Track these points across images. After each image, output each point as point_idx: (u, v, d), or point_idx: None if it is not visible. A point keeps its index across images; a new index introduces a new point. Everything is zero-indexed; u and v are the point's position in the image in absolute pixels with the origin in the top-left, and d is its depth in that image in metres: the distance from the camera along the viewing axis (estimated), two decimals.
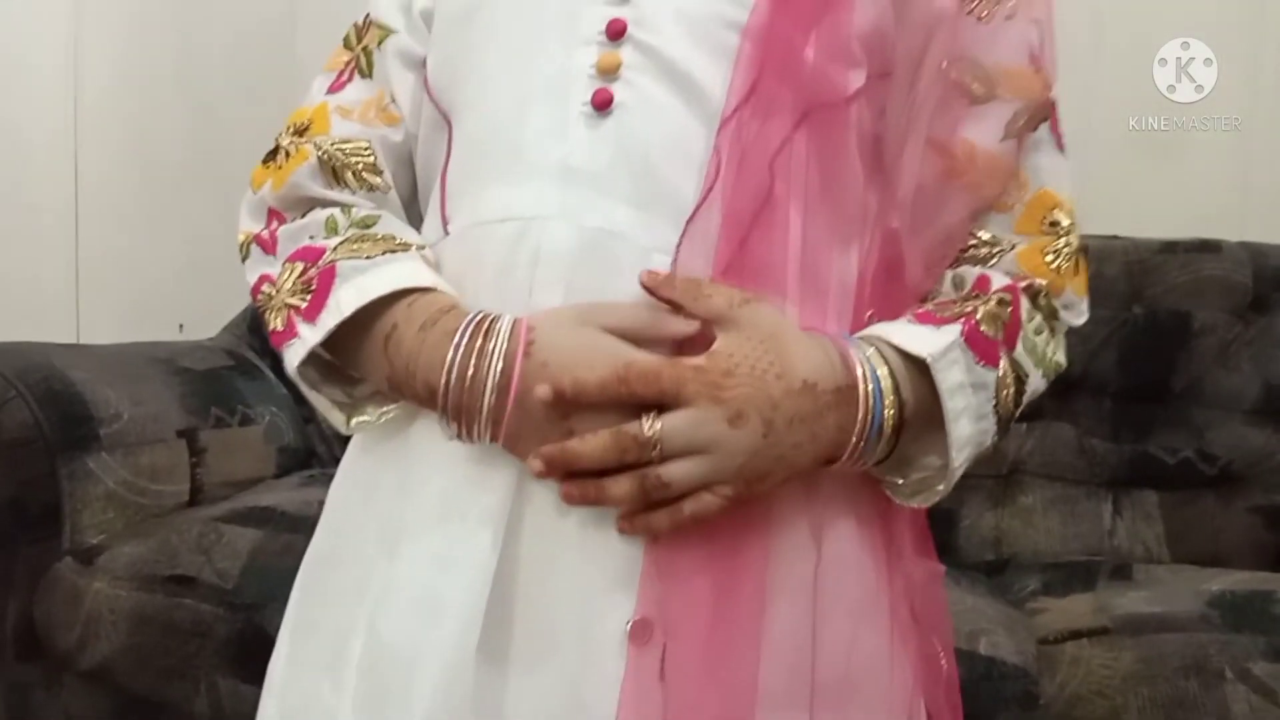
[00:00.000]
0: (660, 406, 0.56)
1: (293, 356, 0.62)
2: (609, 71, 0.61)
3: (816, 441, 0.57)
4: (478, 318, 0.58)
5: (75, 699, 1.31)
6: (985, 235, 0.65)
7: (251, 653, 1.20)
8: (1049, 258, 0.64)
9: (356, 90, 0.71)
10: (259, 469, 1.62)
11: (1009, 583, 1.44)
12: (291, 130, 0.70)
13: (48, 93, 1.78)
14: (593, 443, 0.56)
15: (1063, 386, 1.59)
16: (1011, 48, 0.65)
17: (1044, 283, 0.64)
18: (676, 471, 0.56)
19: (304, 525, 1.31)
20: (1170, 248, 1.60)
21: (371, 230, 0.65)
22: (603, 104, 0.61)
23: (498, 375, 0.56)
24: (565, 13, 0.64)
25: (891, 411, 0.58)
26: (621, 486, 0.56)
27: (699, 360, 0.56)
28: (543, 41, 0.64)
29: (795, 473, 0.58)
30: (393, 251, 0.63)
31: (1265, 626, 1.16)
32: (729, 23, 0.61)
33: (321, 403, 0.65)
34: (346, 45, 0.73)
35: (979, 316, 0.61)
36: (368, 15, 0.73)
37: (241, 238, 0.70)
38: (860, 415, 0.58)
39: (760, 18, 0.60)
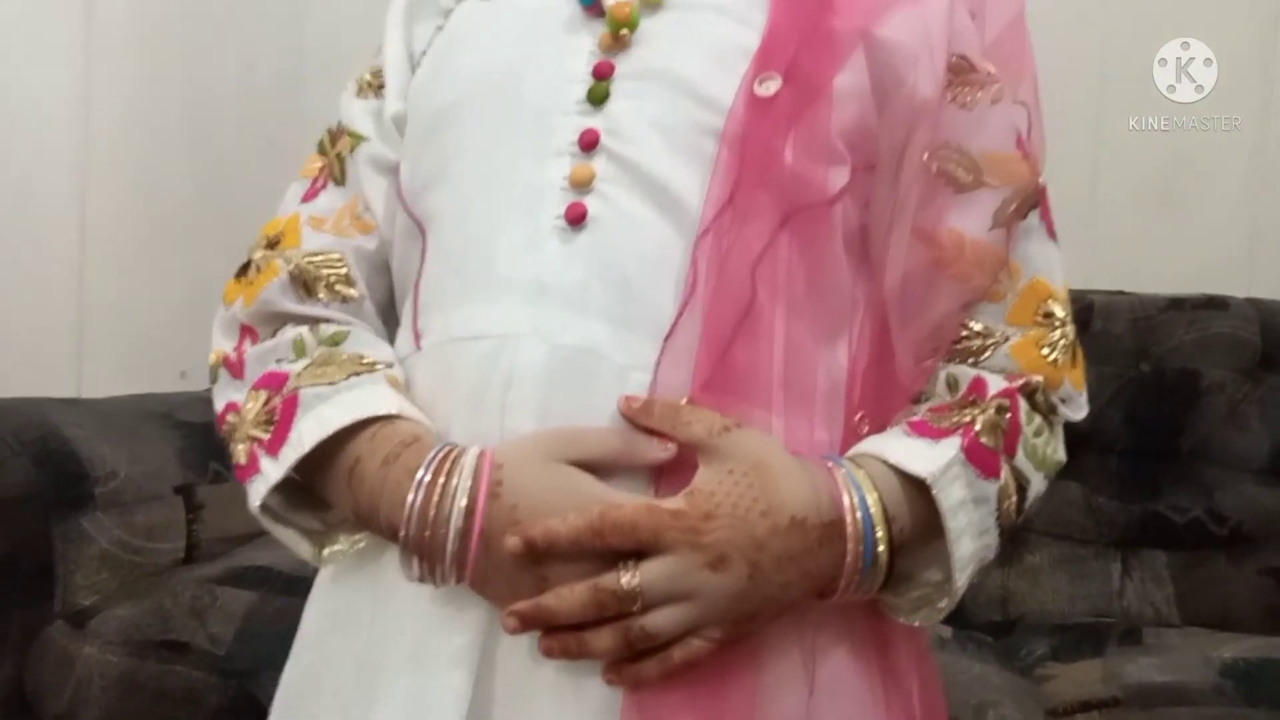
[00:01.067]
0: (638, 553, 0.54)
1: (254, 494, 0.60)
2: (582, 184, 0.60)
3: (807, 578, 0.55)
4: (440, 454, 0.55)
5: None
6: (978, 326, 0.63)
7: None
8: (1045, 351, 0.63)
9: (330, 198, 0.69)
10: (256, 524, 1.58)
11: (1016, 646, 1.42)
12: (264, 244, 0.69)
13: (55, 141, 1.78)
14: (569, 599, 0.53)
15: (1070, 444, 1.57)
16: (997, 133, 0.63)
17: (1040, 379, 0.61)
18: (661, 621, 0.53)
19: (299, 586, 1.28)
20: (1177, 304, 1.59)
21: (339, 349, 0.63)
22: (576, 218, 0.59)
23: (461, 519, 0.53)
24: (537, 123, 0.62)
25: (883, 541, 0.55)
26: (604, 640, 0.54)
27: (677, 504, 0.54)
28: (514, 152, 0.62)
29: (786, 610, 0.56)
30: (357, 374, 0.61)
31: None
32: (705, 129, 0.59)
33: (288, 536, 0.62)
34: (321, 151, 0.72)
35: (978, 428, 0.59)
36: (340, 121, 0.72)
37: (213, 358, 0.68)
38: (850, 548, 0.55)
39: (737, 123, 0.59)
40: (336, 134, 0.71)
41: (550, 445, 0.55)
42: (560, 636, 0.54)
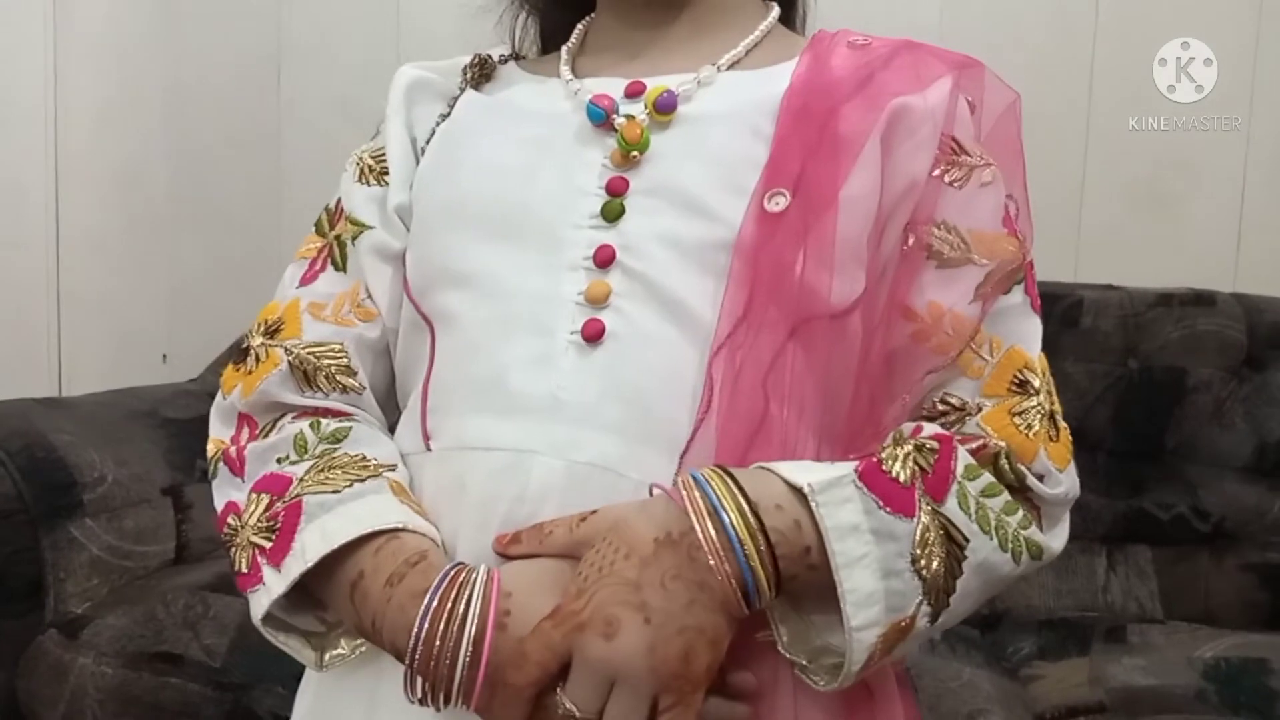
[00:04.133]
0: None
1: (257, 607, 0.59)
2: (598, 300, 0.60)
3: (705, 590, 0.52)
4: (448, 579, 0.54)
5: None
6: (954, 400, 0.61)
7: None
8: (1016, 419, 0.59)
9: (329, 283, 0.68)
10: None
11: (1003, 644, 1.44)
12: (262, 329, 0.67)
13: (28, 134, 1.74)
14: None
15: None
16: (985, 214, 0.62)
17: (1002, 445, 0.58)
18: (614, 716, 0.52)
19: None
20: (1165, 300, 1.60)
21: (340, 448, 0.62)
22: (594, 335, 0.59)
23: (468, 651, 0.52)
24: (546, 234, 0.62)
25: (742, 528, 0.52)
26: None
27: (552, 608, 0.53)
28: (523, 262, 0.62)
29: (718, 634, 0.52)
30: (360, 480, 0.60)
31: (1260, 704, 1.16)
32: (718, 244, 0.59)
33: (291, 645, 0.61)
34: (319, 231, 0.71)
35: (883, 455, 0.55)
36: (339, 201, 0.70)
37: (211, 449, 0.67)
38: (711, 547, 0.51)
39: (749, 238, 0.58)
40: (335, 215, 0.70)
41: (557, 575, 0.55)
42: None
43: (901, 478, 0.54)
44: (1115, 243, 1.76)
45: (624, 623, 0.51)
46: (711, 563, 0.51)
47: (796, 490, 0.53)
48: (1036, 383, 0.61)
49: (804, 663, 0.56)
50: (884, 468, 0.55)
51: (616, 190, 0.62)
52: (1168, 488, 1.54)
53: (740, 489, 0.53)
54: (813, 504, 0.52)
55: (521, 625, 0.53)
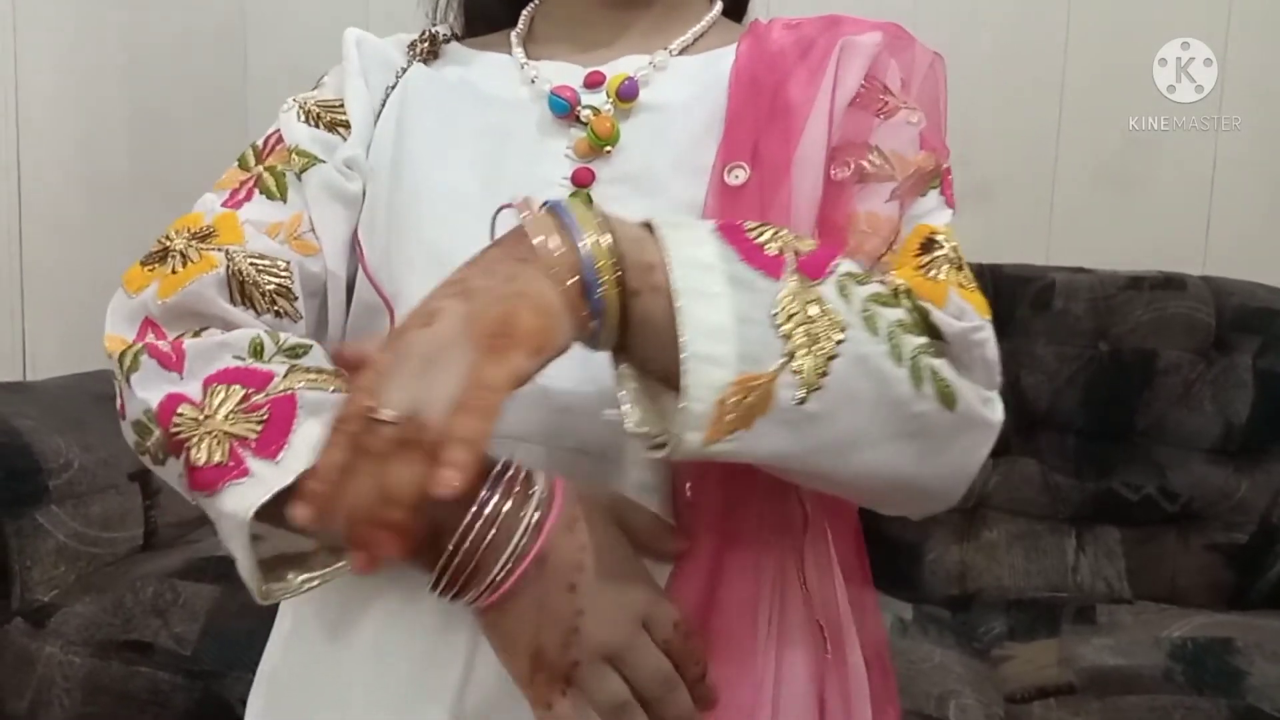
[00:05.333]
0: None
1: (244, 499, 0.51)
2: None
3: (532, 263, 0.48)
4: (509, 471, 0.51)
5: None
6: None
7: None
8: (922, 270, 0.56)
9: (262, 210, 0.63)
10: None
11: (974, 624, 1.45)
12: (187, 234, 0.60)
13: None
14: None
15: (1028, 423, 1.61)
16: (906, 142, 0.61)
17: (902, 281, 0.55)
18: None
19: None
20: (1136, 283, 1.61)
21: (310, 363, 0.57)
22: None
23: (528, 535, 0.50)
24: (514, 224, 0.60)
25: (577, 208, 0.49)
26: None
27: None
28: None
29: (544, 301, 0.48)
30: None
31: (1225, 685, 1.18)
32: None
33: (246, 559, 0.54)
34: (242, 166, 0.66)
35: (751, 226, 0.51)
36: (271, 137, 0.66)
37: (118, 345, 0.58)
38: (531, 215, 0.49)
39: (712, 211, 0.59)
40: (266, 150, 0.66)
41: (614, 505, 0.55)
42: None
43: (761, 241, 0.51)
44: (1087, 225, 1.77)
45: (444, 310, 0.47)
46: (539, 239, 0.49)
47: (644, 225, 0.51)
48: (940, 240, 0.58)
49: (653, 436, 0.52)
50: (748, 233, 0.51)
51: (582, 181, 0.62)
52: (1136, 469, 1.56)
53: (589, 201, 0.51)
54: (658, 232, 0.49)
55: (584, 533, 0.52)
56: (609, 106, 0.63)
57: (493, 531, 0.49)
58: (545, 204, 0.52)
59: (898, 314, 0.52)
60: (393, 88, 0.69)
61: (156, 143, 1.97)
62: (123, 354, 0.57)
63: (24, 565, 1.29)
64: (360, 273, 0.64)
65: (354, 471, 0.45)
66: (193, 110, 1.99)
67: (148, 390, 0.56)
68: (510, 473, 0.51)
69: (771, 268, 0.50)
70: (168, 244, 0.60)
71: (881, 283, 0.54)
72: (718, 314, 0.48)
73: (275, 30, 1.99)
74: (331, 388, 0.56)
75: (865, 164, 0.60)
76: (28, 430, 1.34)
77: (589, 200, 0.53)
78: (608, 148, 0.62)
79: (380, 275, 0.63)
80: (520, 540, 0.50)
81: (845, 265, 0.52)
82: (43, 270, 1.79)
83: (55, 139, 1.81)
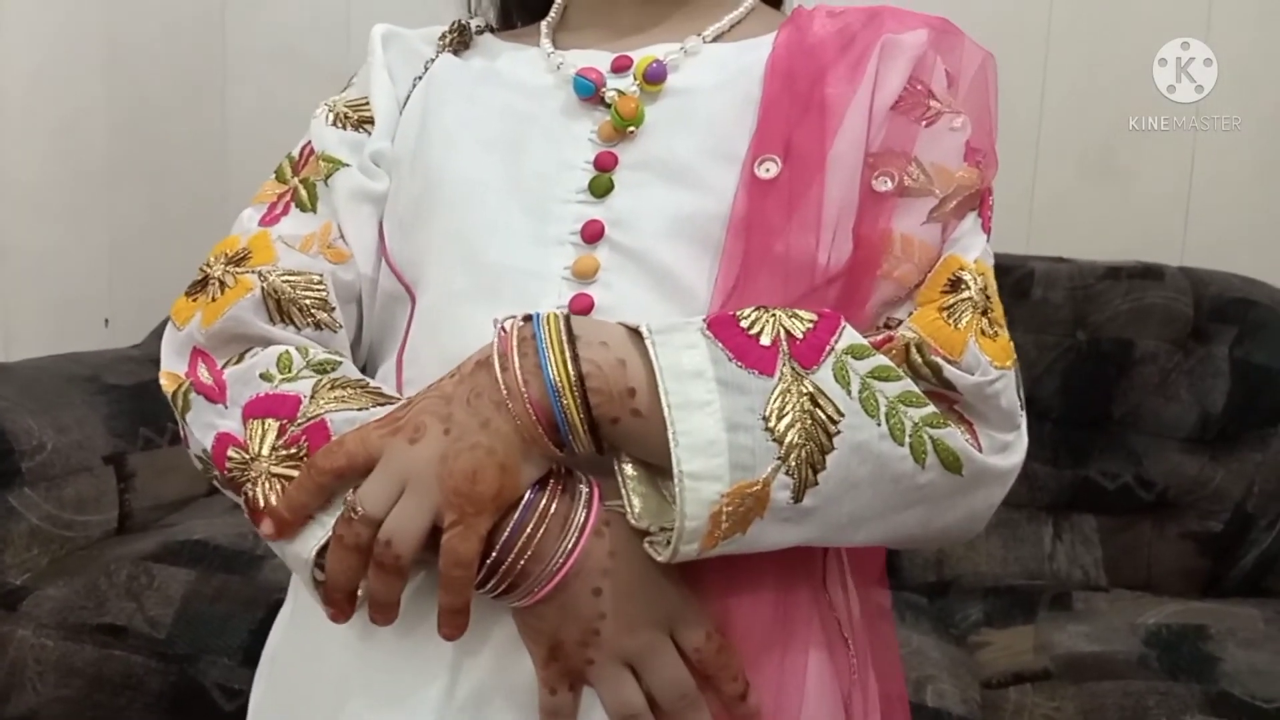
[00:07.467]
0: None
1: (305, 543, 0.54)
2: (586, 276, 0.58)
3: (504, 411, 0.50)
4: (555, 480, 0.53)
5: None
6: (899, 315, 0.58)
7: (184, 707, 1.17)
8: (944, 313, 0.55)
9: (295, 224, 0.64)
10: (190, 488, 1.57)
11: (951, 611, 1.46)
12: (224, 259, 0.62)
13: None
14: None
15: None
16: (950, 152, 0.60)
17: (913, 335, 0.54)
18: (395, 518, 0.51)
19: (238, 563, 1.29)
20: (1114, 272, 1.61)
21: (337, 376, 0.58)
22: (582, 310, 0.58)
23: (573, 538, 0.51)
24: (534, 209, 0.60)
25: (550, 345, 0.50)
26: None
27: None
28: (509, 236, 0.60)
29: (510, 460, 0.51)
30: (381, 405, 0.56)
31: (1200, 671, 1.19)
32: (710, 215, 0.58)
33: (315, 591, 0.56)
34: (279, 178, 0.67)
35: (741, 313, 0.52)
36: (305, 148, 0.68)
37: (170, 384, 0.61)
38: (510, 350, 0.51)
39: (741, 207, 0.57)
40: (301, 161, 0.67)
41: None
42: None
43: (763, 339, 0.51)
44: (1066, 214, 1.78)
45: (428, 430, 0.51)
46: (511, 388, 0.50)
47: (635, 333, 0.51)
48: (969, 279, 0.57)
49: (654, 533, 0.53)
50: (741, 324, 0.51)
51: (605, 165, 0.61)
52: (1113, 457, 1.57)
53: (568, 326, 0.51)
54: (648, 342, 0.50)
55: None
56: (635, 89, 0.62)
57: (540, 533, 0.51)
58: (528, 318, 0.53)
59: (899, 388, 0.52)
60: (420, 78, 0.69)
61: (135, 125, 1.95)
62: (174, 394, 0.60)
63: None
64: (383, 262, 0.64)
65: (335, 550, 0.52)
66: (172, 93, 1.97)
67: (201, 430, 0.58)
68: (554, 470, 0.53)
69: (764, 364, 0.50)
70: (207, 271, 0.62)
71: (889, 346, 0.54)
72: (709, 424, 0.49)
73: (256, 14, 1.97)
74: (358, 405, 0.57)
75: (906, 177, 0.59)
76: (1, 411, 1.33)
77: (567, 321, 0.52)
78: (631, 128, 0.61)
79: (401, 262, 0.63)
80: (566, 541, 0.51)
81: (846, 338, 0.52)
82: (20, 253, 1.78)
83: (34, 121, 1.79)
